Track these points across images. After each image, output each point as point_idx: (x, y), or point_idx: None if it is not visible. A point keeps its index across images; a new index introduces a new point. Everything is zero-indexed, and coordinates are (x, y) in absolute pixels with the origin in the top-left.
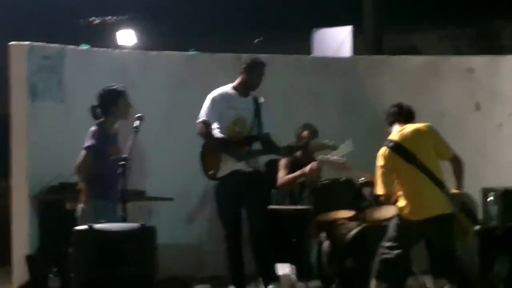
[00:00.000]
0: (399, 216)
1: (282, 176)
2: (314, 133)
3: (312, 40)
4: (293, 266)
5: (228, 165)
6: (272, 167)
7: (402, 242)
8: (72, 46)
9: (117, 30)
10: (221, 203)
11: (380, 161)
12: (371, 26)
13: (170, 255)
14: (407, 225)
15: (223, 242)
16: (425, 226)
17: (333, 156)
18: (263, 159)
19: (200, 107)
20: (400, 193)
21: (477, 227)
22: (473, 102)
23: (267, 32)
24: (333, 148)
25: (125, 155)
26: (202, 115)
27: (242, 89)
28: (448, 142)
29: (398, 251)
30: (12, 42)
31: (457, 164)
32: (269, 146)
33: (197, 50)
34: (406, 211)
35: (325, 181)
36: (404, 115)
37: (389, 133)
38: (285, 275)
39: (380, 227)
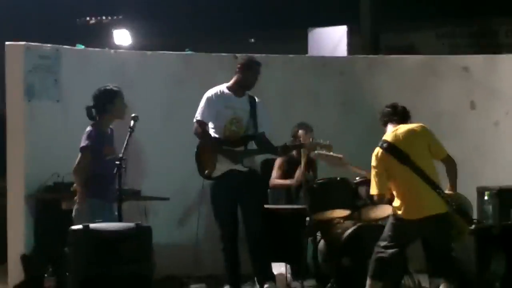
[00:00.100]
0: (394, 215)
1: (276, 176)
2: (309, 132)
3: (308, 40)
4: (289, 265)
5: (224, 165)
6: (268, 166)
7: (397, 241)
8: (69, 46)
9: (113, 30)
10: (217, 203)
11: (374, 162)
12: (368, 25)
13: (167, 254)
14: (402, 225)
15: (219, 242)
16: (420, 225)
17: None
18: (259, 158)
19: (197, 107)
20: (395, 192)
21: (473, 227)
22: (470, 100)
23: (263, 31)
24: (329, 147)
25: (120, 155)
26: (198, 114)
27: (238, 89)
28: (446, 140)
29: (394, 250)
30: (8, 42)
31: (450, 165)
32: (265, 145)
33: (193, 49)
34: (401, 211)
35: (321, 180)
36: (399, 115)
37: (385, 132)
38: (280, 274)
39: (375, 226)
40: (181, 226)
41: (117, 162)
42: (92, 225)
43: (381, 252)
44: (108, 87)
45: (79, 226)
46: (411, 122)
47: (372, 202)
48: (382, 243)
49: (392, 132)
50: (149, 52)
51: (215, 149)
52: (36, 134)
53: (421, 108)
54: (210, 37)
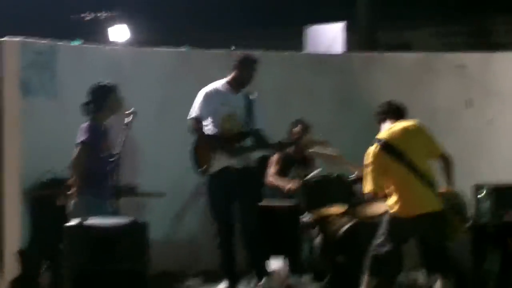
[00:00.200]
0: (390, 213)
1: (272, 173)
2: (305, 129)
3: (304, 37)
4: (285, 261)
5: (220, 161)
6: (264, 163)
7: (393, 238)
8: (65, 42)
9: (109, 26)
10: (212, 199)
11: (369, 159)
12: (365, 22)
13: (163, 250)
14: (397, 222)
15: (215, 238)
16: (415, 223)
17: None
18: (255, 155)
19: (193, 103)
20: (390, 190)
21: (468, 224)
22: (466, 98)
23: (260, 28)
24: (325, 144)
25: (116, 151)
26: (194, 111)
27: (234, 85)
28: (441, 138)
29: (389, 247)
30: (4, 38)
31: (446, 162)
32: (261, 142)
33: (189, 46)
34: (396, 208)
35: (317, 177)
36: (394, 112)
37: (381, 129)
38: (277, 270)
39: (371, 223)
40: (177, 222)
41: (113, 158)
42: (87, 221)
43: (377, 249)
44: (102, 83)
45: (75, 222)
46: (407, 119)
47: (368, 199)
48: (378, 240)
49: (387, 129)
50: (144, 49)
51: (211, 146)
52: (32, 130)
53: (417, 105)
54: (206, 34)
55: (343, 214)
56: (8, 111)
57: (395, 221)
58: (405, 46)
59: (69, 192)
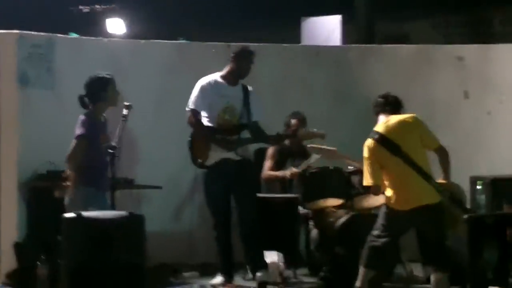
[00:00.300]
0: (387, 205)
1: (268, 167)
2: (303, 121)
3: (301, 29)
4: (282, 254)
5: (217, 154)
6: (261, 155)
7: (390, 231)
8: (62, 35)
9: (106, 19)
10: (210, 192)
11: (366, 153)
12: (363, 14)
13: (160, 243)
14: (394, 215)
15: (212, 230)
16: (412, 216)
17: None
18: (252, 147)
19: (191, 95)
20: (387, 183)
21: (466, 216)
22: (463, 90)
23: (256, 20)
24: (322, 136)
25: (114, 144)
26: (191, 103)
27: (231, 78)
28: (439, 130)
29: (386, 239)
30: (2, 31)
31: (443, 155)
32: (258, 134)
33: (186, 38)
34: (392, 201)
35: (314, 170)
36: (391, 105)
37: (377, 122)
38: (273, 263)
39: (368, 215)
40: (174, 214)
41: (110, 151)
42: (85, 214)
43: (374, 241)
44: (100, 75)
45: (72, 214)
46: (404, 112)
47: (365, 191)
48: (375, 232)
49: (383, 123)
50: (142, 41)
51: (208, 138)
52: (29, 122)
53: (415, 97)
54: (203, 26)
55: (340, 206)
56: (5, 104)
57: (392, 213)
58: (404, 38)
59: (66, 185)
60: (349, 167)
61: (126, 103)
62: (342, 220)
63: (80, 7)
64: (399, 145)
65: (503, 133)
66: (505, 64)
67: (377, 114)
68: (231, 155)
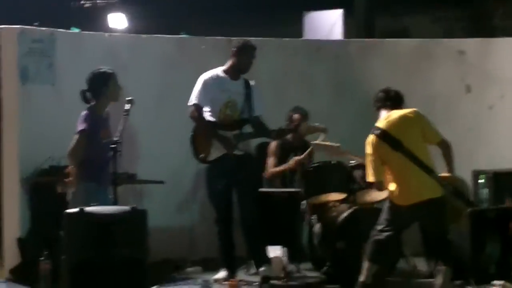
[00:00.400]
0: (390, 200)
1: (271, 164)
2: (305, 116)
3: (303, 23)
4: (284, 249)
5: (219, 149)
6: (263, 150)
7: (393, 225)
8: (63, 30)
9: (108, 14)
10: (212, 187)
11: (368, 149)
12: (363, 9)
13: (162, 238)
14: (397, 209)
15: (214, 225)
16: (414, 210)
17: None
18: (254, 142)
19: (192, 90)
20: (390, 178)
21: (469, 210)
22: (464, 84)
23: (258, 15)
24: (324, 131)
25: (116, 139)
26: (193, 98)
27: (233, 72)
28: (440, 124)
29: (390, 233)
30: (3, 26)
31: (445, 149)
32: (260, 129)
33: (188, 32)
34: (395, 196)
35: (316, 164)
36: (392, 100)
37: (379, 117)
38: (276, 258)
39: (370, 209)
40: (176, 209)
41: (112, 146)
42: (87, 209)
43: (378, 235)
44: (101, 70)
45: (74, 210)
46: (405, 106)
47: (368, 186)
48: (379, 227)
49: (384, 118)
50: (143, 36)
51: (210, 133)
52: (31, 117)
53: (415, 92)
54: (204, 20)
55: (342, 200)
56: (6, 99)
57: (395, 208)
58: (404, 32)
59: (67, 180)
60: (351, 162)
61: (128, 98)
62: (345, 214)
63: (82, 1)
64: (400, 140)
65: (504, 128)
66: (506, 58)
67: (378, 109)
68: (232, 151)
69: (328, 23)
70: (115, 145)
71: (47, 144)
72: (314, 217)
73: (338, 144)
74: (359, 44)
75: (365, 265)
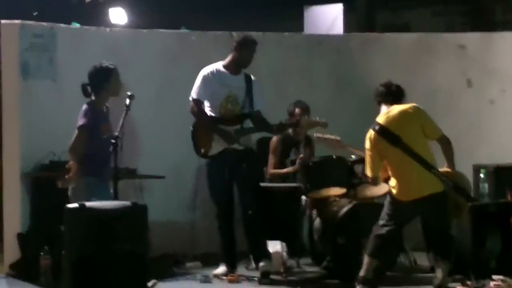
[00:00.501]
0: (391, 194)
1: (271, 163)
2: (306, 110)
3: (303, 18)
4: (285, 244)
5: (220, 144)
6: (264, 144)
7: (394, 220)
8: (64, 25)
9: (108, 8)
10: (212, 181)
11: (367, 145)
12: (364, 3)
13: (162, 233)
14: (398, 204)
15: (214, 220)
16: (415, 205)
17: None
18: (255, 136)
19: (192, 85)
20: (390, 173)
21: (470, 204)
22: (465, 78)
23: (259, 9)
24: (325, 125)
25: (116, 133)
26: (194, 93)
27: (234, 67)
28: (441, 118)
29: (391, 228)
30: (4, 21)
31: (445, 144)
32: (261, 123)
33: (188, 27)
34: (396, 191)
35: (317, 159)
36: (392, 95)
37: (380, 111)
38: (276, 253)
39: (371, 204)
40: (176, 204)
41: (113, 141)
42: (88, 204)
43: (379, 230)
44: (104, 65)
45: (75, 205)
46: (406, 100)
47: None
48: (381, 222)
49: (384, 113)
50: (144, 30)
51: (211, 127)
52: (31, 112)
53: (416, 86)
54: (205, 15)
55: (343, 195)
56: (7, 94)
57: (396, 203)
58: (405, 26)
59: (68, 176)
60: (352, 156)
61: (128, 93)
62: (345, 209)
63: None
64: (399, 136)
65: (505, 122)
66: (507, 53)
67: (379, 103)
68: (234, 145)
69: (329, 18)
70: (115, 140)
71: (48, 139)
72: (314, 212)
73: (338, 137)
74: (360, 38)
75: (366, 259)
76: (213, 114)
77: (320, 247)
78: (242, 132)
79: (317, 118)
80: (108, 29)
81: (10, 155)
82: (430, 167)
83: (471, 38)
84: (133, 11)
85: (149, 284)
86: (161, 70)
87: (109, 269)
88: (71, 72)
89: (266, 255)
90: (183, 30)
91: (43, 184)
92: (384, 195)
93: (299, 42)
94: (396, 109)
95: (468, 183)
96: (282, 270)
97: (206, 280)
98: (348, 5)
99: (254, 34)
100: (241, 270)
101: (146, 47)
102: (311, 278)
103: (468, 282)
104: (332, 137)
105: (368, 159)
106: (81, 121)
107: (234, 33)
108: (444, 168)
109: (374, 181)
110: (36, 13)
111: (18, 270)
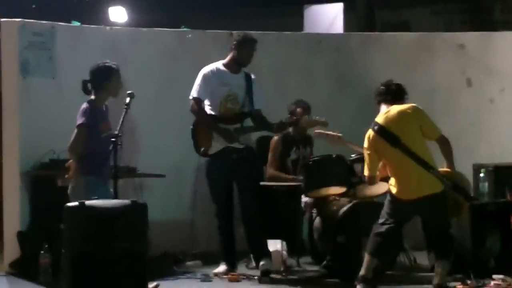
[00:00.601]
0: (391, 193)
1: (270, 163)
2: (306, 109)
3: (303, 17)
4: (285, 242)
5: (220, 142)
6: (264, 143)
7: (394, 218)
8: (64, 23)
9: (108, 7)
10: (212, 180)
11: (365, 144)
12: (363, 2)
13: (162, 232)
14: (398, 203)
15: (214, 219)
16: (414, 205)
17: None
18: (255, 135)
19: (192, 83)
20: (390, 172)
21: (469, 204)
22: (465, 78)
23: (259, 8)
24: (325, 124)
25: (116, 132)
26: (194, 92)
27: (233, 66)
28: (440, 117)
29: (391, 226)
30: (3, 19)
31: (444, 145)
32: (261, 122)
33: (188, 26)
34: (395, 190)
35: (317, 158)
36: (392, 94)
37: (379, 111)
38: (276, 251)
39: (371, 203)
40: (176, 203)
41: (112, 139)
42: (87, 202)
43: (379, 229)
44: (107, 64)
45: (75, 203)
46: (406, 101)
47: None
48: (380, 220)
49: (383, 113)
50: (144, 29)
51: (211, 126)
52: (31, 111)
53: (416, 85)
54: (205, 14)
55: (343, 194)
56: (7, 92)
57: (396, 202)
58: (404, 25)
59: (68, 175)
60: (352, 155)
61: (128, 92)
62: (345, 208)
63: None
64: (398, 136)
65: (505, 121)
66: (506, 52)
67: (379, 103)
68: (234, 143)
69: (329, 16)
70: (115, 139)
71: (48, 138)
72: (314, 211)
73: (340, 134)
74: (360, 37)
75: (366, 258)
76: (213, 113)
77: (320, 246)
78: (242, 131)
79: (317, 117)
80: (108, 28)
81: (10, 153)
82: (429, 167)
83: (471, 38)
84: (133, 9)
85: (151, 286)
86: (161, 68)
87: (108, 268)
88: (70, 70)
89: (266, 254)
90: (183, 29)
91: (43, 183)
92: (384, 194)
93: (299, 41)
94: (395, 109)
95: (467, 183)
96: (282, 269)
97: (206, 279)
98: (348, 4)
99: (254, 33)
100: (241, 269)
101: (146, 45)
102: (311, 277)
103: (468, 281)
104: (334, 133)
105: (366, 159)
106: (80, 120)
107: (234, 32)
108: (443, 168)
109: (371, 180)
110: (34, 6)
111: (18, 268)
